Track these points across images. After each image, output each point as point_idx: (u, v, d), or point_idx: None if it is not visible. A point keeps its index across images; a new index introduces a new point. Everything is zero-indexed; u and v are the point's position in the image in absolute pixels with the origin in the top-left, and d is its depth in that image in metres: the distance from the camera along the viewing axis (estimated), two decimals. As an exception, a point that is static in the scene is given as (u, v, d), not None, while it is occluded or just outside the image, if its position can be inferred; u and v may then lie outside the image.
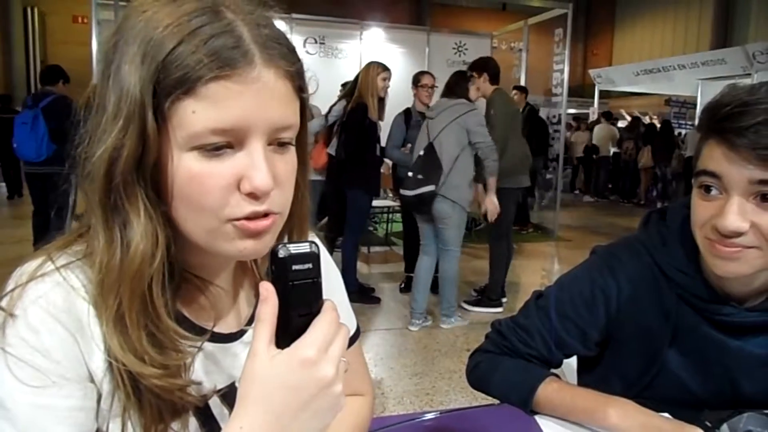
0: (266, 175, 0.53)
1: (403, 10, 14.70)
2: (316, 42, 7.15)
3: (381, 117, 4.09)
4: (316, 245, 0.51)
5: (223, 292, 0.67)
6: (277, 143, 0.56)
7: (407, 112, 4.40)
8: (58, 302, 0.54)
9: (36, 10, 11.90)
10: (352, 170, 3.99)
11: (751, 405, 0.91)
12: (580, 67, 17.71)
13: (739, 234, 0.79)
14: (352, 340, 0.82)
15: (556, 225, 7.27)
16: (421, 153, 3.64)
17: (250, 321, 0.69)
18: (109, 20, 5.46)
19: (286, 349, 0.50)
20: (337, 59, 7.24)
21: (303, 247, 0.50)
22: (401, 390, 2.91)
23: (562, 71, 7.37)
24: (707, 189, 0.83)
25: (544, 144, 7.73)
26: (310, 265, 0.50)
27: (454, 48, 7.74)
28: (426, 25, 8.08)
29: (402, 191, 3.72)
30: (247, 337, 0.68)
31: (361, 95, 3.99)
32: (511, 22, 8.49)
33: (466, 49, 7.68)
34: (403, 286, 4.59)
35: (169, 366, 0.55)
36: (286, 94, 0.55)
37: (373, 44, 7.41)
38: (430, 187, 3.51)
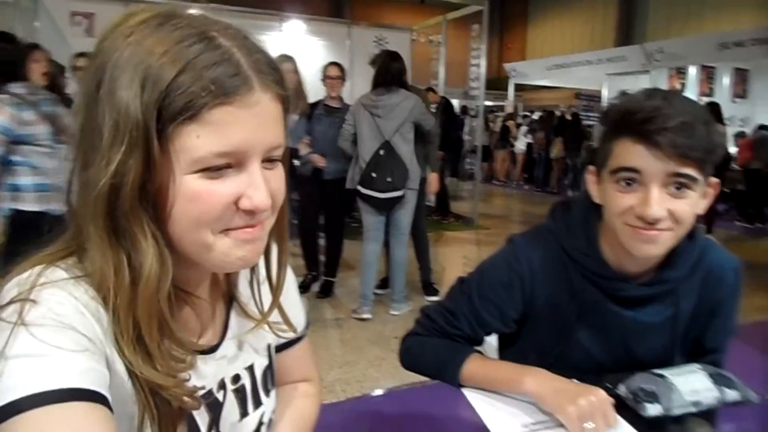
0: (266, 195, 0.57)
1: (322, 2, 14.61)
2: (234, 33, 7.02)
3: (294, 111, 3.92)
4: None
5: (205, 303, 0.70)
6: (268, 160, 0.59)
7: (313, 105, 4.16)
8: (71, 309, 0.54)
9: None
10: None
11: (643, 365, 1.05)
12: (496, 60, 18.30)
13: (659, 220, 0.92)
14: (304, 333, 0.89)
15: (476, 214, 7.54)
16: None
17: (224, 332, 0.73)
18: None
19: None
20: (258, 51, 7.12)
21: None
22: (332, 379, 2.97)
23: (479, 65, 7.64)
24: (627, 183, 0.94)
25: (458, 137, 7.99)
26: None
27: (375, 41, 7.80)
28: (345, 18, 8.14)
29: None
30: (223, 349, 0.72)
31: None
32: (429, 17, 8.67)
33: (386, 43, 7.76)
34: (320, 291, 4.28)
35: (178, 376, 0.59)
36: (278, 116, 0.59)
37: (293, 37, 7.36)
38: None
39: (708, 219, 6.59)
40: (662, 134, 0.89)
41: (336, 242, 4.25)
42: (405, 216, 3.84)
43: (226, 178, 0.56)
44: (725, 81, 12.77)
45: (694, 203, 0.94)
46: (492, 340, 1.29)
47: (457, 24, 8.36)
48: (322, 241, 4.33)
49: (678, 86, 12.09)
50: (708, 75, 12.95)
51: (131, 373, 0.56)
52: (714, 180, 0.97)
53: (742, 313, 1.14)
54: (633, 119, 0.92)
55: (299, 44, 7.16)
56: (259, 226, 0.60)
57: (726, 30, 10.42)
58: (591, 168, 1.04)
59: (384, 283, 4.35)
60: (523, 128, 12.74)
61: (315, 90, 4.25)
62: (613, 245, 1.03)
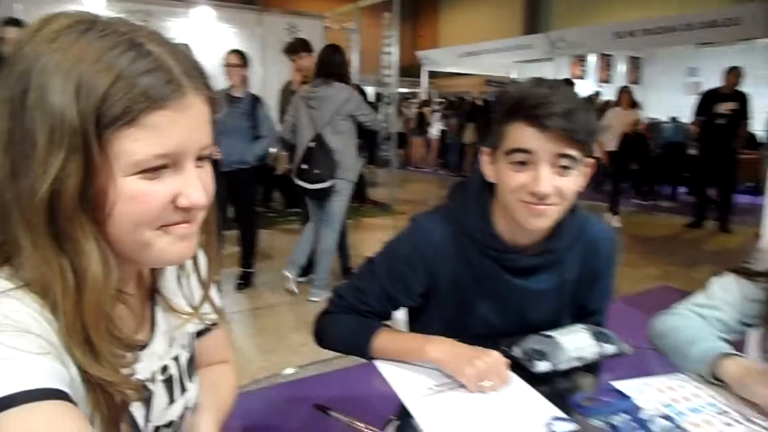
0: (202, 192, 0.61)
1: (232, -13, 14.17)
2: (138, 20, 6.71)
3: None
4: None
5: (135, 300, 0.73)
6: (198, 158, 0.62)
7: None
8: (26, 315, 0.56)
9: None
10: None
11: (535, 329, 1.16)
12: (409, 48, 18.51)
13: (548, 196, 1.02)
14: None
15: (393, 200, 7.68)
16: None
17: (152, 327, 0.75)
18: None
19: None
20: (164, 38, 6.84)
21: None
22: (255, 368, 2.97)
23: (391, 53, 7.74)
24: (520, 162, 1.03)
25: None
26: None
27: (286, 28, 7.72)
28: (257, 5, 7.96)
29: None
30: (154, 344, 0.74)
31: None
32: (341, 4, 8.66)
33: (299, 30, 7.69)
34: (238, 282, 4.24)
35: (124, 371, 0.61)
36: (208, 117, 0.62)
37: (201, 23, 7.14)
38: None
39: (613, 198, 6.96)
40: (551, 119, 0.99)
41: (249, 234, 4.21)
42: (336, 205, 3.91)
43: (164, 178, 0.59)
44: (622, 68, 13.63)
45: (576, 181, 1.05)
46: (401, 315, 1.37)
47: (369, 11, 8.40)
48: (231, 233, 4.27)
49: (579, 73, 12.79)
50: (606, 63, 13.78)
51: (83, 374, 0.58)
52: (590, 161, 1.08)
53: (636, 281, 1.27)
54: (525, 105, 1.02)
55: (208, 31, 6.97)
56: (194, 222, 0.63)
57: (621, 19, 11.10)
58: (485, 149, 1.13)
59: (304, 271, 4.37)
60: (437, 114, 13.03)
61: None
62: (506, 220, 1.13)
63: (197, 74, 0.61)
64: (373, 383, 1.08)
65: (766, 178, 2.50)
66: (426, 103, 13.89)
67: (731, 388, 1.02)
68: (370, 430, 0.88)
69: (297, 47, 4.42)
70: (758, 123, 7.75)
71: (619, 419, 0.88)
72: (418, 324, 1.29)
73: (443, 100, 14.05)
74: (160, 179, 0.59)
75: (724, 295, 1.22)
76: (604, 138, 6.69)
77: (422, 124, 13.14)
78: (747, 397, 0.98)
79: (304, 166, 3.77)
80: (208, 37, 6.51)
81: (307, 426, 1.01)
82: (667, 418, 0.90)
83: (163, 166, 0.58)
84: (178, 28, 6.85)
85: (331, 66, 3.79)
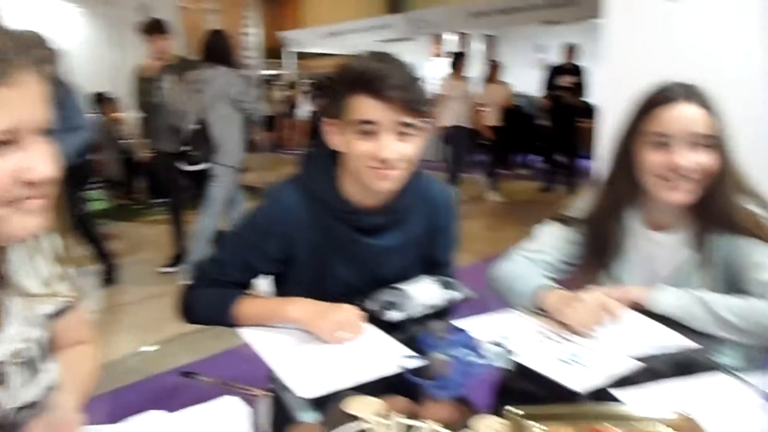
0: (47, 165, 0.62)
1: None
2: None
3: None
4: None
5: None
6: (40, 134, 0.64)
7: None
8: None
9: None
10: None
11: (389, 283, 1.26)
12: (272, 29, 18.13)
13: (392, 161, 1.11)
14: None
15: (263, 184, 7.60)
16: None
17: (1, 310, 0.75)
18: None
19: None
20: (-5, 19, 6.17)
21: None
22: (133, 362, 2.86)
23: (251, 34, 7.59)
24: (365, 132, 1.11)
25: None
26: None
27: (136, 7, 7.24)
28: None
29: None
30: (5, 330, 0.74)
31: None
32: (197, -17, 8.31)
33: (151, 10, 7.25)
34: (104, 278, 4.00)
35: None
36: (44, 94, 0.63)
37: (43, 3, 6.52)
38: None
39: (494, 174, 7.41)
40: (392, 91, 1.08)
41: (88, 234, 3.88)
42: (214, 190, 3.91)
43: (5, 155, 0.60)
44: (479, 46, 14.36)
45: (416, 145, 1.16)
46: (264, 285, 1.42)
47: (227, -9, 8.15)
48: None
49: (439, 51, 13.29)
50: (464, 41, 14.43)
51: None
52: (427, 126, 1.19)
53: (497, 243, 1.41)
54: (365, 78, 1.10)
55: (52, 12, 6.40)
56: (43, 197, 0.65)
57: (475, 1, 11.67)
58: (329, 120, 1.20)
59: (174, 261, 4.26)
60: (305, 95, 12.95)
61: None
62: (353, 184, 1.21)
63: (31, 52, 0.62)
64: (245, 360, 1.12)
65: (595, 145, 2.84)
66: (293, 84, 13.74)
67: (551, 315, 1.19)
68: (239, 387, 0.93)
69: (151, 28, 4.21)
70: (595, 95, 8.56)
71: (458, 351, 1.01)
72: (282, 289, 1.35)
73: (312, 80, 13.97)
74: (1, 156, 0.60)
75: (549, 239, 1.41)
76: (486, 112, 7.12)
77: (292, 106, 13.00)
78: (562, 320, 1.15)
79: (185, 148, 3.84)
80: (49, 18, 5.97)
81: (180, 396, 1.03)
82: (497, 344, 1.04)
83: (4, 143, 0.60)
84: (14, 8, 6.19)
85: (215, 51, 3.84)
